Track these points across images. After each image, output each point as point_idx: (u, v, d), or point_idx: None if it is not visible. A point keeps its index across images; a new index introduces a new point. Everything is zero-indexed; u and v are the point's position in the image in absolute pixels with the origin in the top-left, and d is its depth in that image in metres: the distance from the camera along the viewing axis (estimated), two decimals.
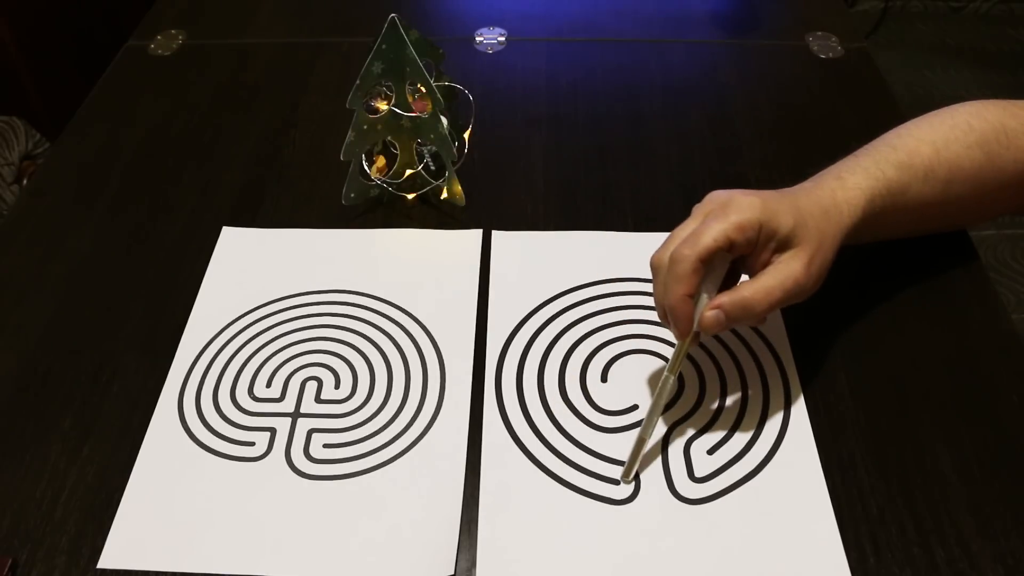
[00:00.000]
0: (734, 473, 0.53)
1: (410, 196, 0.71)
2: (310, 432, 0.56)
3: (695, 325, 0.51)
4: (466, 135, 0.72)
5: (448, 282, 0.65)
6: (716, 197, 0.52)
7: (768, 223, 0.50)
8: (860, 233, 0.56)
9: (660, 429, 0.55)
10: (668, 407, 0.57)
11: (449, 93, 0.72)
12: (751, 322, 0.53)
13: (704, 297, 0.51)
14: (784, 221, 0.50)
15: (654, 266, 0.53)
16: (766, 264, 0.51)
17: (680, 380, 0.58)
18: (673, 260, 0.50)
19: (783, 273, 0.50)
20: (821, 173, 0.57)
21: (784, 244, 0.51)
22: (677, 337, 0.53)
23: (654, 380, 0.58)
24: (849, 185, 0.55)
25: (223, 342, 0.62)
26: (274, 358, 0.61)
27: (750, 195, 0.51)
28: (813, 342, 0.60)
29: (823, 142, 0.78)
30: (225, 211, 0.72)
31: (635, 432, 0.55)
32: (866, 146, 0.59)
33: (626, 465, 0.53)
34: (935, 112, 0.61)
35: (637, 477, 0.53)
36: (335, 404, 0.58)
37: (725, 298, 0.50)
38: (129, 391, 0.59)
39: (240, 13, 0.98)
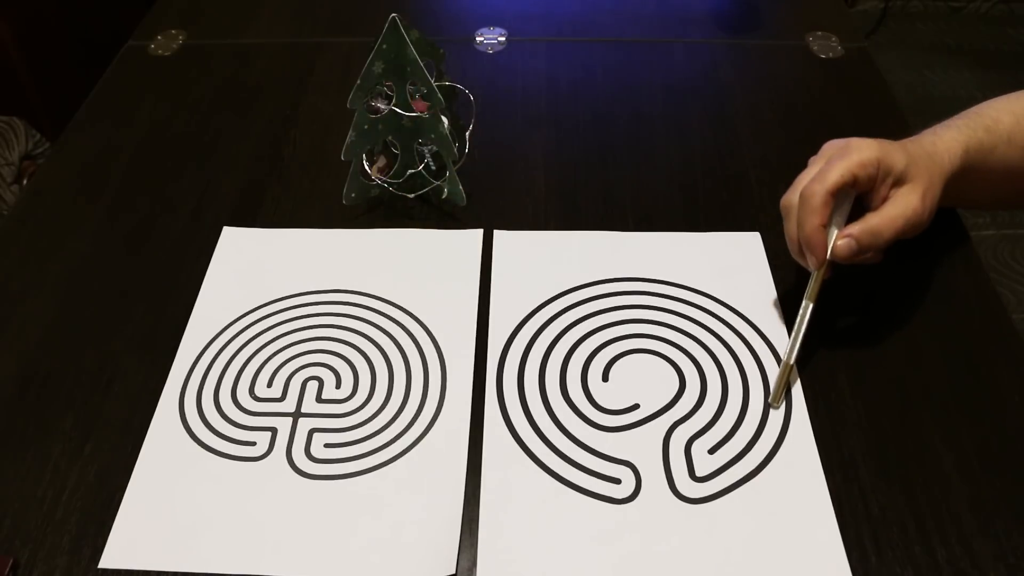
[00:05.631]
0: (735, 472, 0.53)
1: (411, 196, 0.71)
2: (311, 432, 0.56)
3: (828, 253, 0.57)
4: (467, 135, 0.72)
5: (449, 282, 0.65)
6: (833, 144, 0.59)
7: (885, 159, 0.56)
8: (955, 187, 0.60)
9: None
10: (671, 405, 0.57)
11: (450, 93, 0.72)
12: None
13: (834, 230, 0.57)
14: (898, 158, 0.56)
15: (785, 207, 0.59)
16: (885, 199, 0.57)
17: (681, 379, 0.58)
18: (805, 196, 0.56)
19: (903, 204, 0.56)
20: (917, 134, 0.62)
21: (900, 179, 0.57)
22: (814, 267, 0.58)
23: (655, 379, 0.58)
24: (946, 138, 0.60)
25: (224, 342, 0.62)
26: (275, 358, 0.61)
27: (865, 139, 0.57)
28: (814, 342, 0.60)
29: (823, 142, 0.77)
30: (225, 211, 0.72)
31: (635, 431, 0.55)
32: (952, 117, 0.63)
33: (773, 391, 0.57)
34: (1010, 93, 0.65)
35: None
36: (336, 404, 0.58)
37: (855, 228, 0.56)
38: (130, 391, 0.59)
39: (240, 13, 0.98)
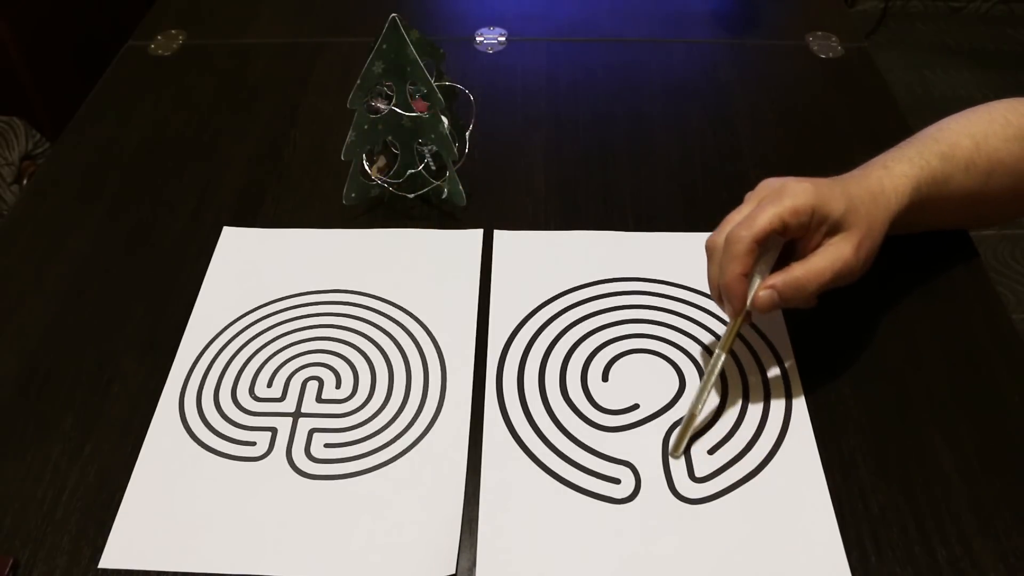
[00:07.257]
0: (735, 473, 0.53)
1: (411, 196, 0.71)
2: (311, 432, 0.56)
3: (748, 304, 0.53)
4: (467, 135, 0.72)
5: (449, 282, 0.65)
6: (770, 183, 0.55)
7: (820, 208, 0.52)
8: (905, 221, 0.57)
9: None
10: (671, 405, 0.57)
11: (450, 93, 0.72)
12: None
13: (757, 278, 0.53)
14: (836, 206, 0.52)
15: (709, 248, 0.55)
16: (817, 247, 0.53)
17: (681, 379, 0.58)
18: (729, 241, 0.52)
19: (833, 255, 0.53)
20: (867, 163, 0.59)
21: (835, 228, 0.53)
22: (730, 316, 0.54)
23: (655, 379, 0.58)
24: (896, 173, 0.57)
25: (224, 342, 0.62)
26: (275, 358, 0.61)
27: (803, 181, 0.53)
28: (814, 341, 0.60)
29: (823, 142, 0.78)
30: (225, 211, 0.72)
31: (635, 431, 0.55)
32: (909, 139, 0.60)
33: (675, 440, 0.54)
34: (971, 109, 0.62)
35: (676, 456, 0.54)
36: (336, 404, 0.58)
37: (778, 278, 0.53)
38: (130, 391, 0.59)
39: (240, 13, 0.98)
